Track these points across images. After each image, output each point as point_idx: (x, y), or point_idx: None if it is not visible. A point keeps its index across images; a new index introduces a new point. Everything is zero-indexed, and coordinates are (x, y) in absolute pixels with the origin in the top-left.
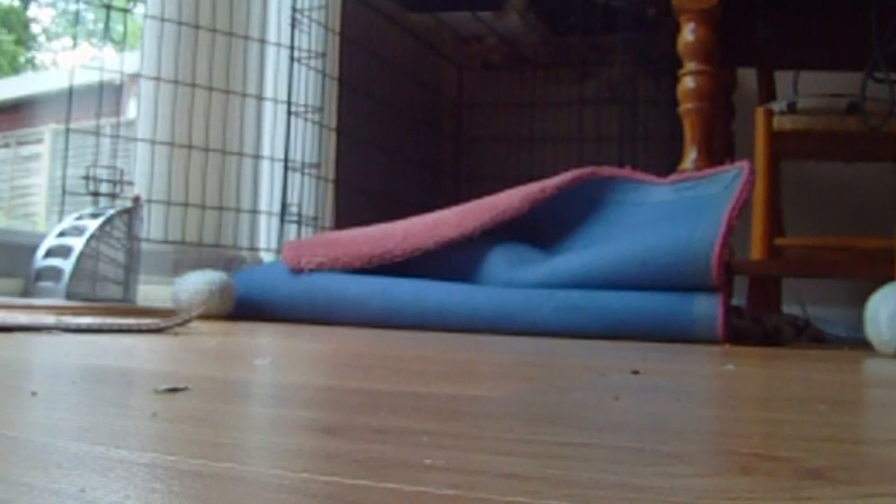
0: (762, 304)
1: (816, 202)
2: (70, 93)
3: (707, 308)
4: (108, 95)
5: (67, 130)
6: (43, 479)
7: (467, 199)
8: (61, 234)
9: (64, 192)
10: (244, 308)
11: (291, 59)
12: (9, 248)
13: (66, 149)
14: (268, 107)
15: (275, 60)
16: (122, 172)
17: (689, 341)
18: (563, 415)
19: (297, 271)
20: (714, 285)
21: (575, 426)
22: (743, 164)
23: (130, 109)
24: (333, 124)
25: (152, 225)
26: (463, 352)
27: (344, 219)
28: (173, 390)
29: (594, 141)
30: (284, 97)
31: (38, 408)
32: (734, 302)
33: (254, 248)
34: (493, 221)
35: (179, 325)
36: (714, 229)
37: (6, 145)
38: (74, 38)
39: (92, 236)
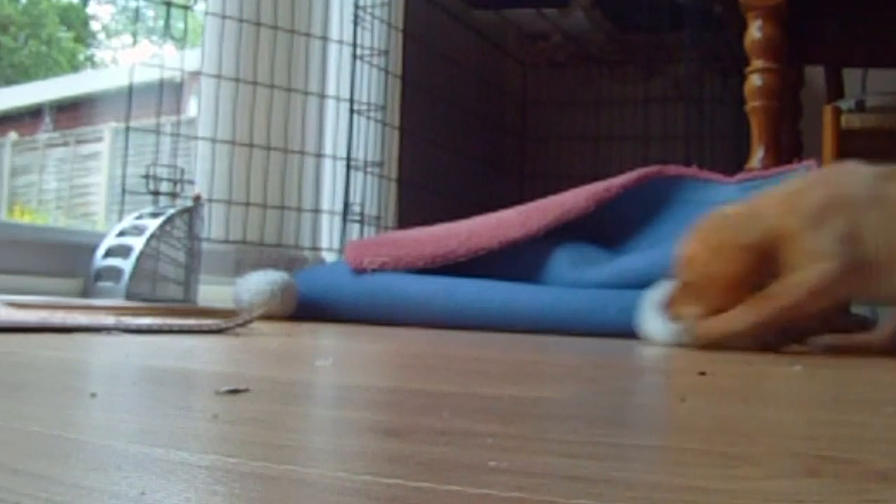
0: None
1: None
2: (130, 91)
3: None
4: (169, 93)
5: (127, 129)
6: (103, 481)
7: (531, 198)
8: (121, 234)
9: (124, 191)
10: (306, 309)
11: (354, 56)
12: (68, 248)
13: (126, 147)
14: (330, 105)
15: (337, 58)
16: (182, 171)
17: None
18: (628, 416)
19: (360, 271)
20: None
21: (640, 428)
22: (810, 163)
23: (191, 107)
24: (396, 122)
25: (213, 224)
26: (527, 353)
27: (407, 218)
28: (234, 392)
29: (660, 139)
30: (347, 95)
31: (98, 409)
32: None
33: (316, 248)
34: (558, 221)
35: (240, 325)
36: None
37: (65, 144)
38: (134, 35)
39: (152, 236)
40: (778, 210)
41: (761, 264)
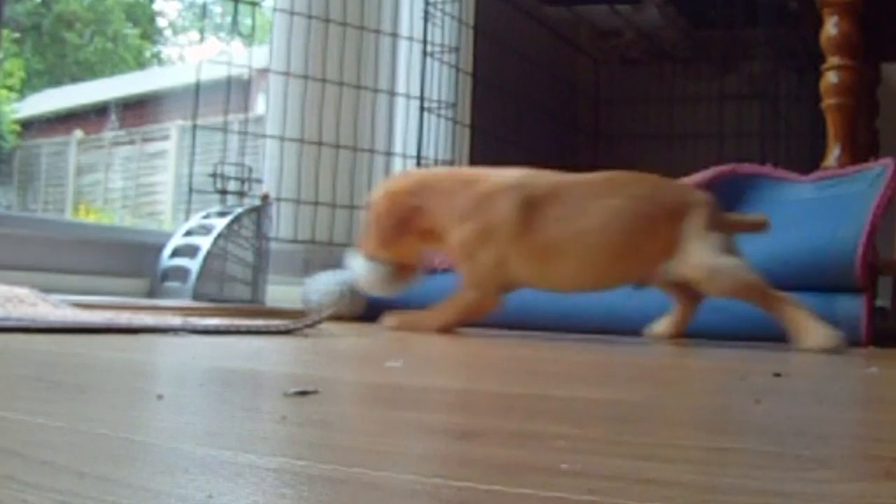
0: None
1: None
2: (197, 88)
3: (850, 309)
4: (236, 91)
5: (194, 127)
6: (169, 484)
7: None
8: (188, 234)
9: (191, 189)
10: (375, 309)
11: (424, 53)
12: (134, 248)
13: (193, 145)
14: (400, 102)
15: (407, 55)
16: (250, 170)
17: None
18: (702, 418)
19: (431, 272)
20: (857, 286)
21: (715, 430)
22: (887, 162)
23: (259, 105)
24: (467, 120)
25: (281, 224)
26: (599, 354)
27: None
28: (303, 393)
29: (735, 137)
30: (417, 93)
31: (165, 411)
32: (878, 303)
33: None
34: None
35: (309, 326)
36: (857, 228)
37: (132, 142)
38: (202, 32)
39: (219, 235)
40: (449, 185)
41: (416, 216)
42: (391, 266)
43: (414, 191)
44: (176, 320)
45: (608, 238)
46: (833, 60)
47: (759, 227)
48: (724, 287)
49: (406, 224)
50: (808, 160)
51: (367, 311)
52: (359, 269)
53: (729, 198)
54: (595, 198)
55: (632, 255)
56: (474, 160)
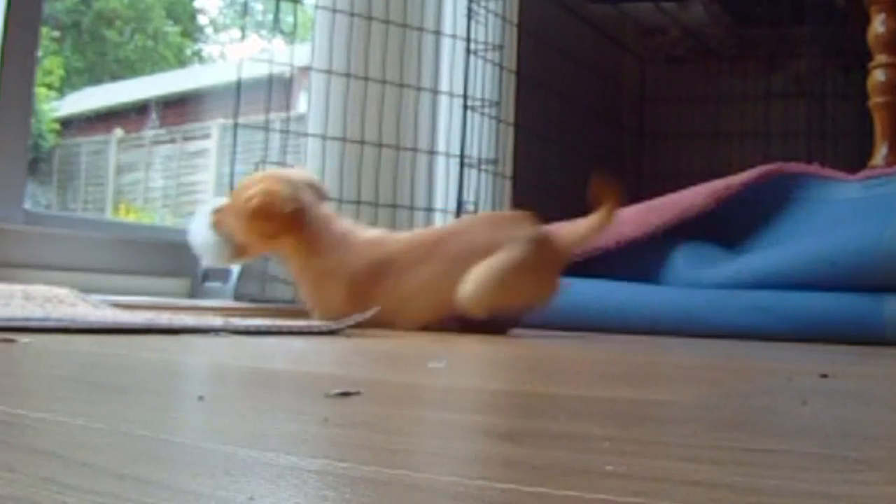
0: None
1: None
2: (238, 86)
3: None
4: (278, 89)
5: (235, 125)
6: (210, 486)
7: (649, 196)
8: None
9: (232, 189)
10: None
11: (468, 51)
12: (175, 248)
13: (234, 144)
14: (443, 101)
15: (450, 53)
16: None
17: (879, 344)
18: (748, 420)
19: None
20: None
21: (761, 431)
22: None
23: (301, 103)
24: (511, 119)
25: None
26: (645, 354)
27: None
28: (345, 394)
29: (781, 136)
30: (460, 91)
31: (205, 412)
32: None
33: None
34: (677, 220)
35: (351, 326)
36: None
37: (172, 141)
38: (243, 29)
39: None
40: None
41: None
42: (234, 243)
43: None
44: (217, 321)
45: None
46: (880, 58)
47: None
48: None
49: (275, 229)
50: (855, 159)
51: None
52: (200, 235)
53: (775, 197)
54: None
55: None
56: (518, 159)
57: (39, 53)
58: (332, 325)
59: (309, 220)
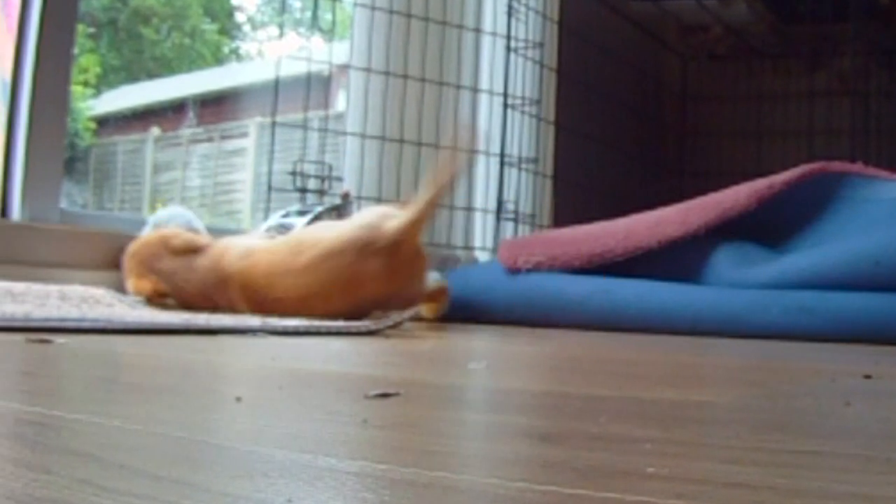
0: None
1: None
2: (276, 85)
3: None
4: (316, 87)
5: (273, 124)
6: (248, 488)
7: (691, 195)
8: (267, 232)
9: (270, 188)
10: (458, 309)
11: (508, 49)
12: None
13: (272, 143)
14: (483, 99)
15: (490, 51)
16: (330, 167)
17: None
18: (791, 421)
19: (514, 271)
20: None
21: (804, 433)
22: None
23: (339, 102)
24: (552, 117)
25: None
26: (687, 355)
27: (562, 216)
28: (384, 396)
29: (824, 135)
30: (500, 89)
31: (243, 414)
32: None
33: (468, 247)
34: (719, 219)
35: (391, 327)
36: None
37: (209, 139)
38: (281, 27)
39: None
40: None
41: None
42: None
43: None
44: (255, 321)
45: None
46: None
47: None
48: None
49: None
50: None
51: (450, 311)
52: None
53: (818, 197)
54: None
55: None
56: (559, 158)
57: (75, 51)
58: (371, 326)
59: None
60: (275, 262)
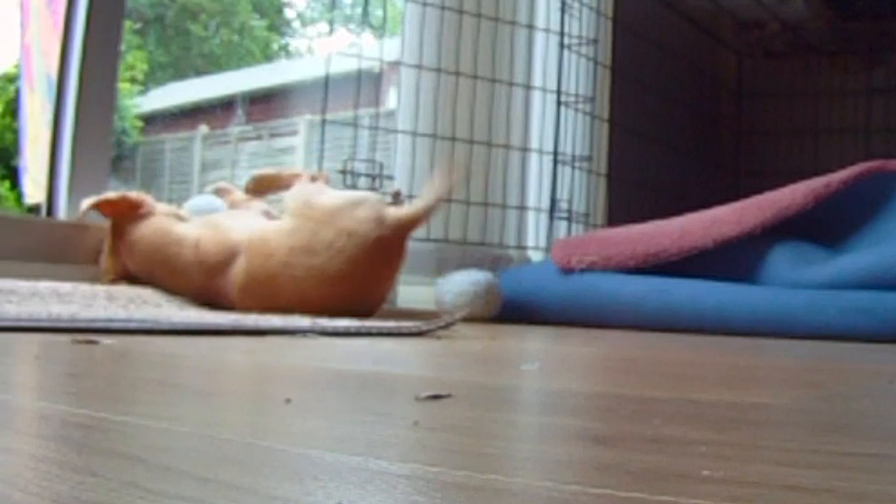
0: None
1: None
2: (326, 82)
3: None
4: (367, 84)
5: (323, 121)
6: (297, 491)
7: (747, 194)
8: None
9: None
10: (511, 310)
11: (561, 45)
12: None
13: (322, 141)
14: (536, 97)
15: (543, 47)
16: (381, 166)
17: None
18: (849, 423)
19: (567, 271)
20: None
21: (862, 435)
22: None
23: (390, 99)
24: (606, 115)
25: None
26: (743, 356)
27: (616, 215)
28: (436, 397)
29: (883, 132)
30: (554, 86)
31: (293, 416)
32: None
33: (521, 247)
34: (775, 218)
35: (442, 328)
36: None
37: (258, 137)
38: (331, 23)
39: None
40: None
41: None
42: None
43: None
44: (304, 322)
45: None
46: None
47: None
48: None
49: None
50: None
51: (502, 312)
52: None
53: (876, 195)
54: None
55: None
56: (613, 156)
57: (122, 48)
58: (423, 326)
59: None
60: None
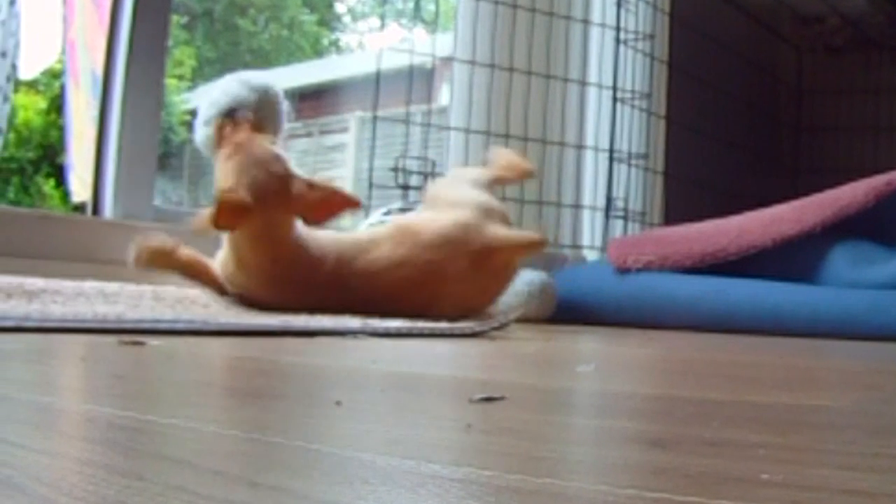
0: None
1: None
2: (377, 78)
3: None
4: (419, 80)
5: (375, 118)
6: (348, 495)
7: (807, 192)
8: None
9: (371, 184)
10: (566, 310)
11: (617, 41)
12: None
13: (374, 138)
14: (591, 93)
15: (599, 43)
16: (433, 164)
17: None
18: None
19: (623, 271)
20: None
21: None
22: None
23: (443, 95)
24: (662, 111)
25: None
26: (802, 358)
27: (673, 214)
28: (489, 400)
29: None
30: (609, 82)
31: (343, 418)
32: None
33: (576, 246)
34: (835, 217)
35: (496, 329)
36: None
37: (308, 134)
38: (382, 18)
39: None
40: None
41: None
42: None
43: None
44: (355, 323)
45: None
46: None
47: None
48: None
49: None
50: None
51: (557, 312)
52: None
53: None
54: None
55: None
56: (670, 153)
57: (170, 43)
58: (476, 327)
59: None
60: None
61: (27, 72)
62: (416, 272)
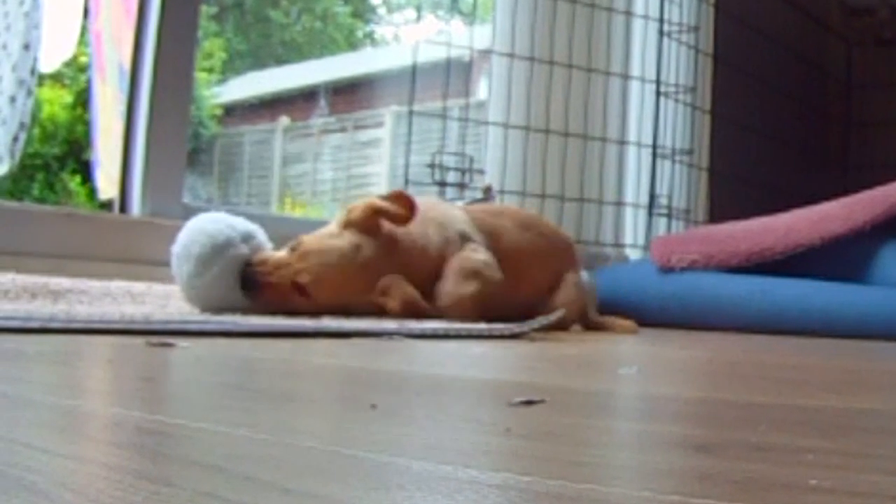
0: None
1: None
2: (414, 71)
3: None
4: (456, 74)
5: (411, 113)
6: (384, 501)
7: (856, 189)
8: None
9: (407, 181)
10: (608, 311)
11: (661, 33)
12: None
13: (410, 133)
14: (634, 87)
15: (642, 35)
16: (471, 160)
17: None
18: None
19: (667, 270)
20: None
21: None
22: None
23: (481, 89)
24: (707, 106)
25: None
26: (852, 360)
27: (719, 211)
28: (528, 403)
29: None
30: (652, 76)
31: (378, 422)
32: None
33: (618, 245)
34: (886, 214)
35: (536, 330)
36: None
37: (342, 129)
38: (419, 10)
39: None
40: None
41: None
42: None
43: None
44: (390, 324)
45: None
46: None
47: None
48: None
49: None
50: None
51: (599, 313)
52: None
53: None
54: None
55: None
56: (715, 149)
57: (199, 35)
58: (515, 329)
59: None
60: None
61: (46, 65)
62: None
